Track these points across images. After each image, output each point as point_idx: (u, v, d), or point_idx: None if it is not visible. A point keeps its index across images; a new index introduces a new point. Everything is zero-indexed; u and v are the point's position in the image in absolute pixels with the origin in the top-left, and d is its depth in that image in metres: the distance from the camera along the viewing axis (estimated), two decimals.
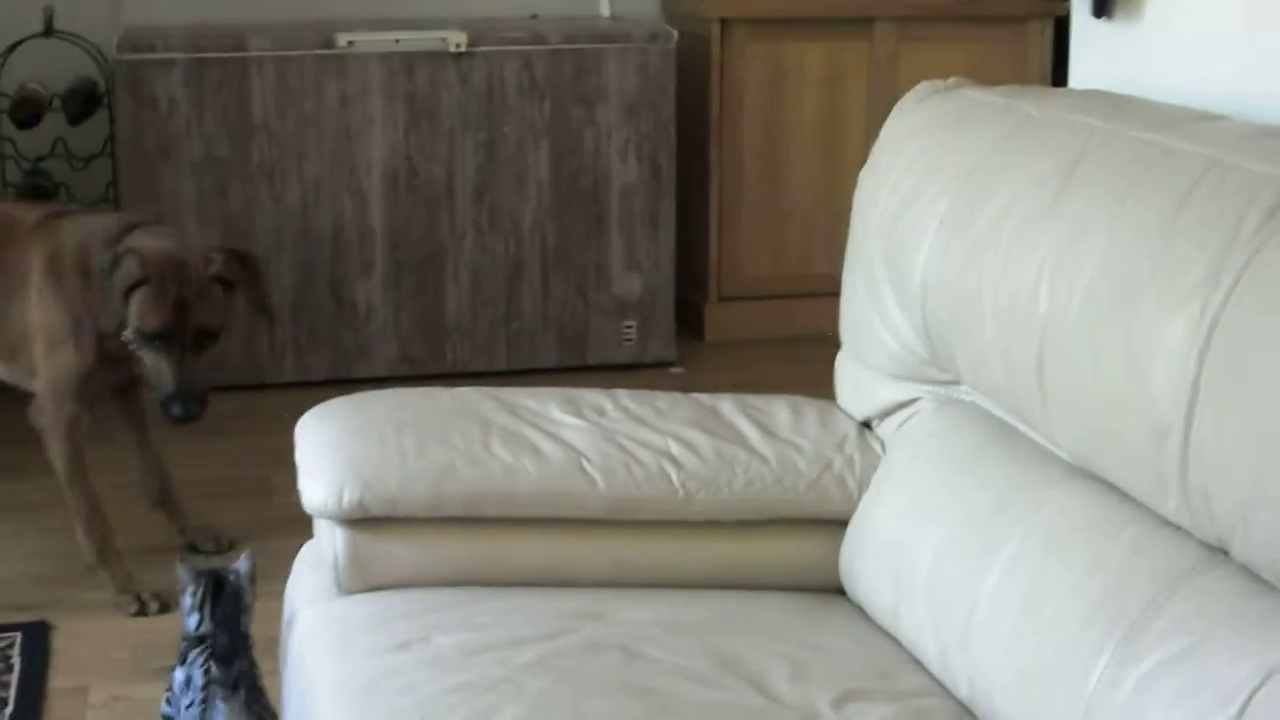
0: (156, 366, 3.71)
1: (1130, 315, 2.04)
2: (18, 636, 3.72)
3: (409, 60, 5.36)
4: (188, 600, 2.60)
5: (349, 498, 2.51)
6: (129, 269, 3.65)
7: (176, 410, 3.70)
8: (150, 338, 3.68)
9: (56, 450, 3.88)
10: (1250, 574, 1.93)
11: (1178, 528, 2.04)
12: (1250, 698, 1.80)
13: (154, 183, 5.18)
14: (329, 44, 5.30)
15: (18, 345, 3.86)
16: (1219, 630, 1.90)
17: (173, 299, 3.65)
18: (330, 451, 2.59)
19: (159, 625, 3.78)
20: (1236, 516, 1.89)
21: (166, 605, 3.85)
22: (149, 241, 3.73)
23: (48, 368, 3.84)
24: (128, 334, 3.69)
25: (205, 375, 3.74)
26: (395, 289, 5.48)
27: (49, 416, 3.86)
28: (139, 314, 3.67)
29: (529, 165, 5.50)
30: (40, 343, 3.82)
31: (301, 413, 2.77)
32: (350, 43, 5.30)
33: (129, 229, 3.79)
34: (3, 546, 4.25)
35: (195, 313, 3.68)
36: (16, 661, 3.60)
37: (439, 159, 5.43)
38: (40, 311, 3.80)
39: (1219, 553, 1.98)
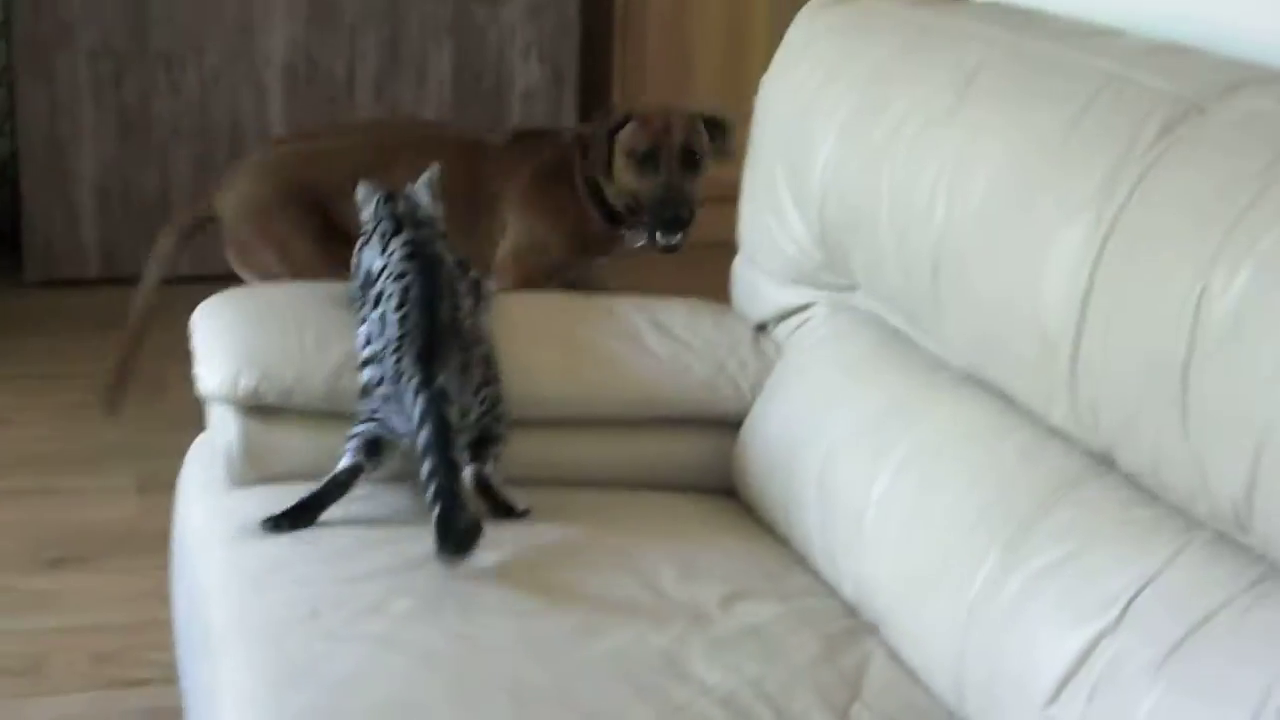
0: (645, 188, 3.73)
1: (1025, 225, 2.06)
2: None
3: None
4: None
5: (245, 384, 2.49)
6: (616, 116, 3.76)
7: (661, 229, 3.75)
8: (640, 160, 3.71)
9: None
10: (1134, 483, 1.96)
11: (1065, 436, 2.07)
12: (1130, 603, 1.84)
13: (50, 70, 5.09)
14: None
15: None
16: (1102, 537, 1.93)
17: (658, 125, 3.71)
18: (228, 337, 2.57)
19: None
20: (1122, 426, 1.92)
21: None
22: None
23: None
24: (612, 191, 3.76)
25: (691, 202, 3.75)
26: None
27: None
28: (626, 144, 3.72)
29: (430, 64, 5.46)
30: None
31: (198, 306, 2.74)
32: None
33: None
34: None
35: (678, 133, 3.71)
36: None
37: (340, 55, 5.37)
38: None
39: (1104, 462, 2.01)
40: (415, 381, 2.35)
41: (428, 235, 2.58)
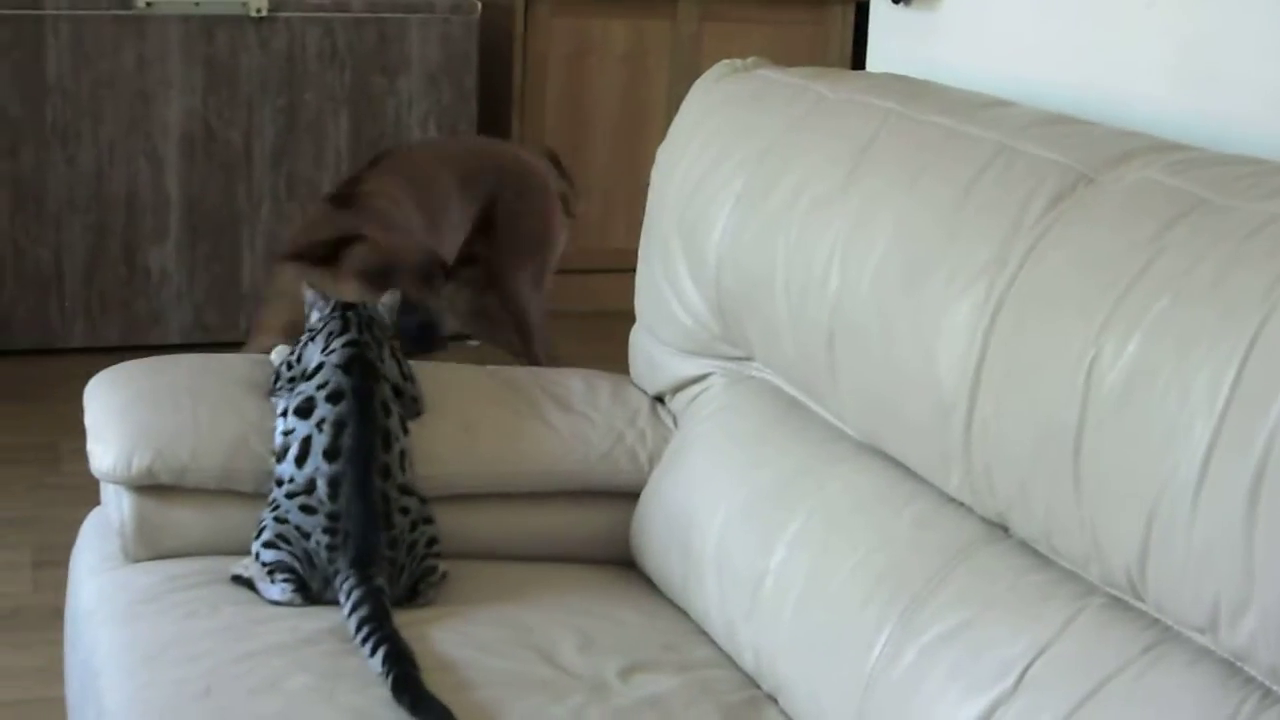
0: None
1: (919, 295, 2.07)
2: None
3: (209, 23, 5.29)
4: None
5: (139, 464, 2.47)
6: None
7: None
8: None
9: None
10: (1028, 549, 1.97)
11: (960, 504, 2.08)
12: (1026, 669, 1.84)
13: None
14: (127, 4, 5.21)
15: None
16: (997, 604, 1.94)
17: None
18: (121, 416, 2.54)
19: None
20: (1016, 493, 1.93)
21: None
22: None
23: None
24: None
25: None
26: (190, 255, 5.41)
27: None
28: None
29: (328, 134, 5.46)
30: None
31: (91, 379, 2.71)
32: (149, 4, 5.22)
33: None
34: None
35: None
36: None
37: (237, 125, 5.37)
38: None
39: (999, 528, 2.02)
40: (350, 583, 2.27)
41: (372, 340, 2.52)
